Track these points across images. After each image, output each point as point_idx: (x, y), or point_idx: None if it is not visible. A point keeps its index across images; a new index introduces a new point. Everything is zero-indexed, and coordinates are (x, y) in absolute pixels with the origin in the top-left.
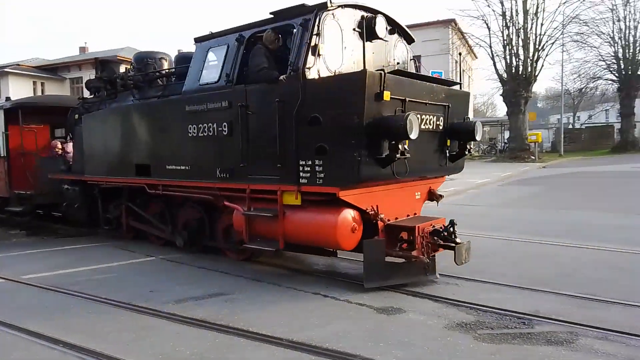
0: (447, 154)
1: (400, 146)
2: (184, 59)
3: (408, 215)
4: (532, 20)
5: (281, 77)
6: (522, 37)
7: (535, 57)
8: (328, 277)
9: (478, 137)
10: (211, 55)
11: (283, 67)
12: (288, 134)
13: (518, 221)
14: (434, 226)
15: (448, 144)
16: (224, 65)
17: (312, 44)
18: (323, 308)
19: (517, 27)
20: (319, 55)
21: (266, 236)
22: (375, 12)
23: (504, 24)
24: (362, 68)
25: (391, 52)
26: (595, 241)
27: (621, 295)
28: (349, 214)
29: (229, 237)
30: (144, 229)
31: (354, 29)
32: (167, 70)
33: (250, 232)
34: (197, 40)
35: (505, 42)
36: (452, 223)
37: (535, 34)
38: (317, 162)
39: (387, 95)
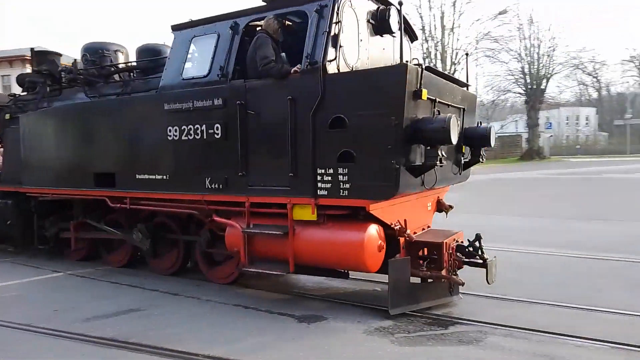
0: (462, 161)
1: (440, 152)
2: (147, 52)
3: (423, 229)
4: (449, 35)
5: (295, 69)
6: (440, 51)
7: (452, 70)
8: (252, 288)
9: (492, 143)
10: (196, 46)
11: (290, 60)
12: (302, 138)
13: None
14: (457, 241)
15: (463, 150)
16: (215, 56)
17: (332, 33)
18: (245, 320)
19: (435, 42)
20: (340, 46)
21: (270, 257)
22: (387, 4)
23: (424, 38)
24: (398, 63)
25: (397, 50)
26: (504, 243)
27: (526, 294)
28: (375, 230)
29: (209, 256)
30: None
31: (368, 21)
32: (129, 64)
33: (250, 252)
34: (176, 28)
35: (424, 55)
36: (478, 237)
37: (452, 48)
38: (340, 170)
39: (424, 94)
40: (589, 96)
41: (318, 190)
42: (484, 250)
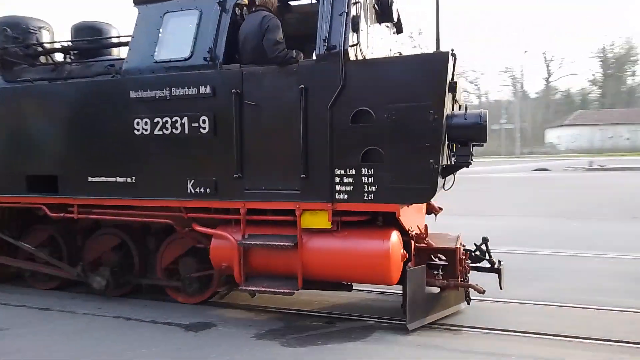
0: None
1: (472, 151)
2: (87, 31)
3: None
4: None
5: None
6: None
7: None
8: (134, 298)
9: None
10: (170, 23)
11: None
12: (317, 133)
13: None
14: (462, 245)
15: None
16: (199, 36)
17: (351, 14)
18: (125, 333)
19: None
20: (359, 31)
21: (270, 273)
22: None
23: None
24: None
25: (389, 41)
26: None
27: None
28: (397, 237)
29: (173, 272)
30: (23, 267)
31: (374, 6)
32: (65, 44)
33: (246, 268)
34: (140, 1)
35: None
36: (485, 241)
37: None
38: (365, 171)
39: (458, 85)
40: (471, 102)
41: (336, 194)
42: (491, 254)
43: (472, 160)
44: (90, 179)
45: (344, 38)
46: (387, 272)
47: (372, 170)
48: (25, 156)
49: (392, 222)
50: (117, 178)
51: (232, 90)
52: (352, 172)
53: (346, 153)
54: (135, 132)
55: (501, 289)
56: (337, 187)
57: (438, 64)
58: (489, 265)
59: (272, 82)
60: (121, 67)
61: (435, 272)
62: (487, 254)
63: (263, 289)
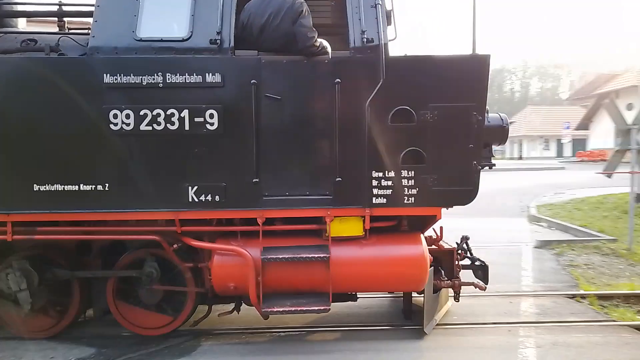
0: None
1: (493, 152)
2: None
3: None
4: None
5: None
6: None
7: None
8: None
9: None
10: None
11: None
12: (353, 133)
13: None
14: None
15: None
16: (197, 12)
17: (385, 7)
18: None
19: None
20: (394, 24)
21: (293, 289)
22: None
23: None
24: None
25: None
26: None
27: None
28: (425, 242)
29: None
30: None
31: None
32: None
33: (264, 288)
34: None
35: None
36: (465, 239)
37: None
38: (405, 173)
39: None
40: None
41: (374, 199)
42: (472, 251)
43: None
44: (37, 186)
45: (382, 31)
46: (422, 278)
47: (413, 172)
48: None
49: (416, 226)
50: (81, 185)
51: (251, 81)
52: (392, 174)
53: (385, 154)
54: (111, 127)
55: (487, 283)
56: (375, 191)
57: (481, 65)
58: (474, 263)
59: (299, 74)
60: (56, 44)
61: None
62: (468, 252)
63: (293, 308)
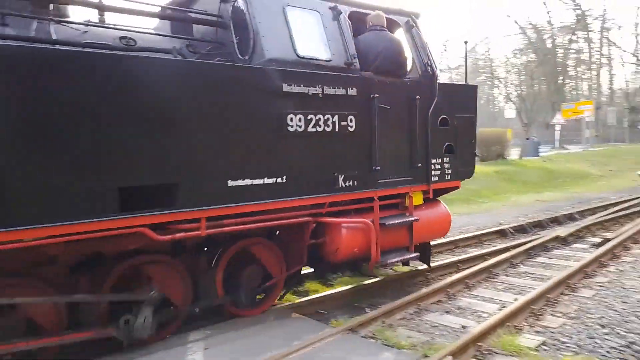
0: None
1: None
2: None
3: None
4: None
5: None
6: None
7: None
8: None
9: None
10: (294, 18)
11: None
12: (421, 133)
13: None
14: None
15: None
16: (330, 40)
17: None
18: None
19: None
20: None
21: (393, 247)
22: None
23: None
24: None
25: None
26: None
27: None
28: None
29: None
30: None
31: None
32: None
33: (380, 247)
34: None
35: None
36: None
37: None
38: (445, 160)
39: None
40: None
41: (432, 177)
42: None
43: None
44: (230, 183)
45: (435, 64)
46: (449, 227)
47: (449, 159)
48: (123, 160)
49: (436, 195)
50: (266, 179)
51: (372, 95)
52: (439, 160)
53: (436, 147)
54: (288, 128)
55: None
56: (432, 172)
57: (475, 91)
58: None
59: (392, 91)
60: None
61: None
62: None
63: (401, 259)
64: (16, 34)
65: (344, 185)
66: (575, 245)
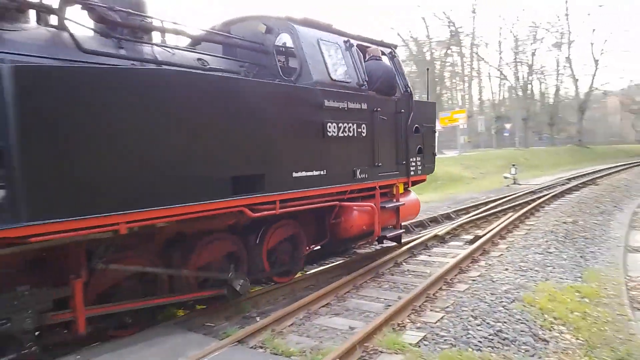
0: None
1: None
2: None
3: None
4: None
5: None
6: None
7: None
8: None
9: None
10: (325, 49)
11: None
12: (403, 138)
13: None
14: None
15: None
16: (348, 66)
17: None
18: None
19: None
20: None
21: (385, 225)
22: None
23: None
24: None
25: None
26: None
27: None
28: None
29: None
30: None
31: None
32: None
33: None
34: (297, 22)
35: None
36: None
37: None
38: (418, 159)
39: None
40: None
41: (411, 172)
42: None
43: None
44: (294, 174)
45: (410, 85)
46: (419, 211)
47: (420, 158)
48: (233, 156)
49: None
50: (314, 172)
51: (375, 109)
52: (414, 159)
53: (412, 149)
54: (328, 134)
55: None
56: (412, 168)
57: (435, 106)
58: None
59: (385, 106)
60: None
61: None
62: None
63: (394, 234)
64: (132, 56)
65: (359, 177)
66: (452, 242)
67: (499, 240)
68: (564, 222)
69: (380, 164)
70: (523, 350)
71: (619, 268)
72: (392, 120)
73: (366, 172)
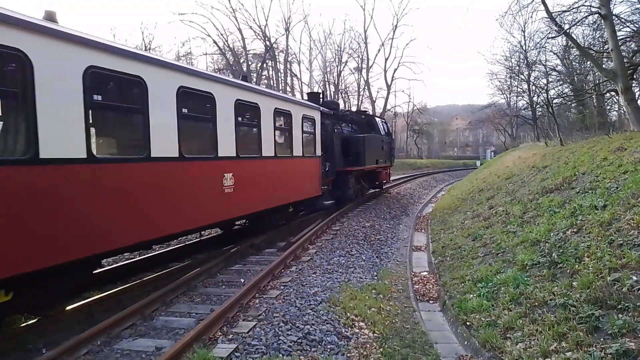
0: None
1: None
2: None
3: None
4: None
5: None
6: None
7: None
8: None
9: None
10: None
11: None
12: (391, 149)
13: None
14: None
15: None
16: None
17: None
18: None
19: None
20: None
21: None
22: None
23: None
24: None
25: None
26: None
27: None
28: None
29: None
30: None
31: None
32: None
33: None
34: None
35: None
36: None
37: None
38: (392, 157)
39: None
40: None
41: (392, 161)
42: None
43: None
44: (372, 160)
45: (389, 128)
46: (390, 178)
47: (391, 156)
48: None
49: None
50: (377, 161)
51: (385, 140)
52: (390, 157)
53: (391, 153)
54: (382, 146)
55: None
56: (391, 160)
57: (392, 135)
58: None
59: (387, 139)
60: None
61: None
62: None
63: (387, 185)
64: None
65: (386, 162)
66: (266, 250)
67: (309, 246)
68: (363, 227)
69: (391, 157)
70: (329, 350)
71: (406, 265)
72: (387, 143)
73: (387, 160)
